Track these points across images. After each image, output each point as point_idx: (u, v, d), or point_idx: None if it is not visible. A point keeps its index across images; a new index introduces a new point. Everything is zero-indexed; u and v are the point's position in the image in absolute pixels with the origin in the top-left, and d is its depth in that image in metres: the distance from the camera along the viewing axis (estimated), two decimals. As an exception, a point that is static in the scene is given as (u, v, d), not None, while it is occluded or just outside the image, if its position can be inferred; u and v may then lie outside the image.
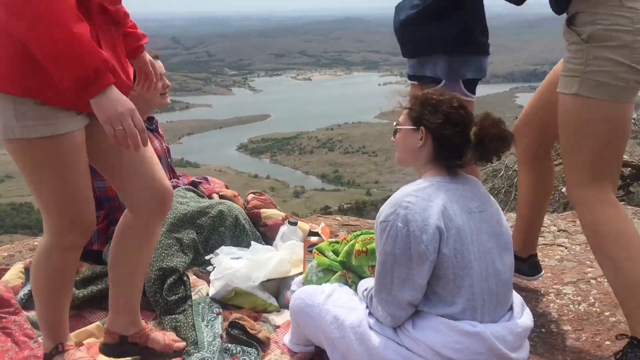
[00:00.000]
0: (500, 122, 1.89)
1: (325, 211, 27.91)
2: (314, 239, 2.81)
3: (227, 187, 3.58)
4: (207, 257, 2.87)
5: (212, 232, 3.00)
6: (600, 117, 2.10)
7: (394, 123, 2.06)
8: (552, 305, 2.70)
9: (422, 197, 1.82)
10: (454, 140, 1.89)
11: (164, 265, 2.65)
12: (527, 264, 2.81)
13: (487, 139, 1.85)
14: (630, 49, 2.01)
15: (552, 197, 6.42)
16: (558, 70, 2.31)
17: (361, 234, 2.48)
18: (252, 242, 3.01)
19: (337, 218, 4.03)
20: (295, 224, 3.14)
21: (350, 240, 2.47)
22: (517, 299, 2.03)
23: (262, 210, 3.38)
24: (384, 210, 1.85)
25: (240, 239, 3.07)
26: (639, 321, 2.09)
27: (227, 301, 2.64)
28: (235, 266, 2.70)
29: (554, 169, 2.74)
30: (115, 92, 1.71)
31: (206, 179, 3.55)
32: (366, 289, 2.06)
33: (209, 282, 2.75)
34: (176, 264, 2.70)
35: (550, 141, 2.63)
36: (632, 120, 6.32)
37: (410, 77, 2.73)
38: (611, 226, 2.14)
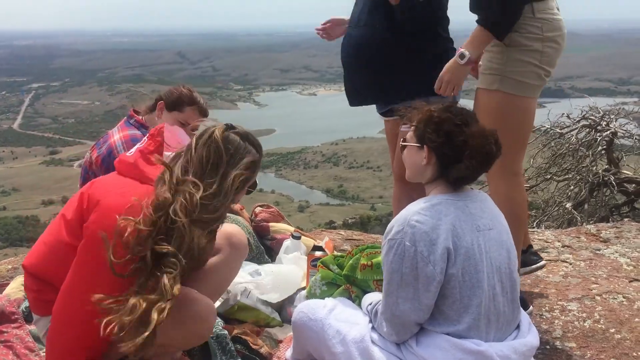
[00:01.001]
0: (490, 139, 1.86)
1: (330, 226, 27.84)
2: (317, 253, 2.81)
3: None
4: None
5: None
6: (515, 110, 2.49)
7: (401, 139, 2.06)
8: (556, 322, 2.69)
9: (430, 216, 1.80)
10: (454, 159, 1.87)
11: None
12: (529, 253, 2.90)
13: (471, 155, 1.84)
14: (540, 53, 2.41)
15: (556, 210, 6.41)
16: None
17: (367, 248, 2.48)
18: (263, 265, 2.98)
19: (341, 232, 4.03)
20: (299, 238, 3.13)
21: (356, 255, 2.46)
22: (524, 317, 2.01)
23: (270, 224, 3.36)
24: (392, 227, 1.84)
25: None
26: None
27: (229, 315, 2.63)
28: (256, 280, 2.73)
29: None
30: None
31: None
32: (370, 304, 2.05)
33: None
34: None
35: None
36: (636, 137, 6.31)
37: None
38: (517, 196, 2.59)
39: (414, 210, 1.83)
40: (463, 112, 1.95)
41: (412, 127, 2.00)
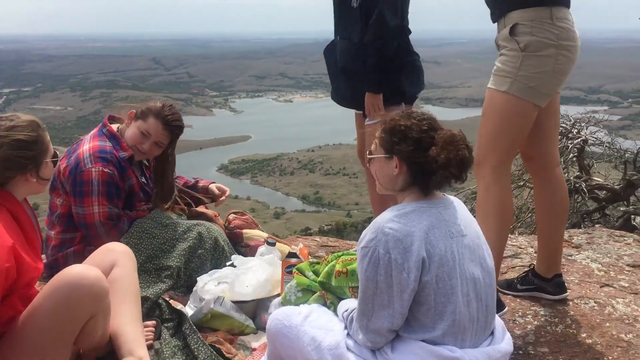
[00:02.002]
0: (461, 145, 1.86)
1: (306, 232, 27.81)
2: (292, 260, 2.79)
3: (207, 208, 3.55)
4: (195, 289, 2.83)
5: (192, 255, 2.94)
6: (518, 114, 2.54)
7: (367, 152, 2.04)
8: (529, 327, 2.71)
9: (403, 223, 1.80)
10: (427, 165, 1.87)
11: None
12: (552, 283, 2.90)
13: (438, 164, 1.83)
14: (554, 60, 2.44)
15: (529, 217, 6.47)
16: None
17: (342, 255, 2.47)
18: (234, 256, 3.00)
19: (316, 239, 4.02)
20: (273, 244, 3.12)
21: (331, 261, 2.46)
22: (498, 323, 2.02)
23: (244, 230, 3.35)
24: (366, 235, 1.83)
25: (219, 261, 3.03)
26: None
27: (203, 324, 2.60)
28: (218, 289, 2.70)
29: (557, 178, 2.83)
30: None
31: (196, 180, 3.56)
32: (346, 310, 2.04)
33: (185, 304, 2.71)
34: (149, 293, 2.66)
35: (538, 151, 2.79)
36: (607, 144, 6.43)
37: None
38: (506, 195, 2.63)
39: (387, 218, 1.83)
40: (426, 117, 1.95)
41: (377, 138, 1.99)
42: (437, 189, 1.95)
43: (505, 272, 3.28)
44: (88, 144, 2.92)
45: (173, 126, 2.98)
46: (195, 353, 2.37)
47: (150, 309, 2.61)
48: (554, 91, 2.59)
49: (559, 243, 2.91)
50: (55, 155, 2.20)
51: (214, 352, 2.38)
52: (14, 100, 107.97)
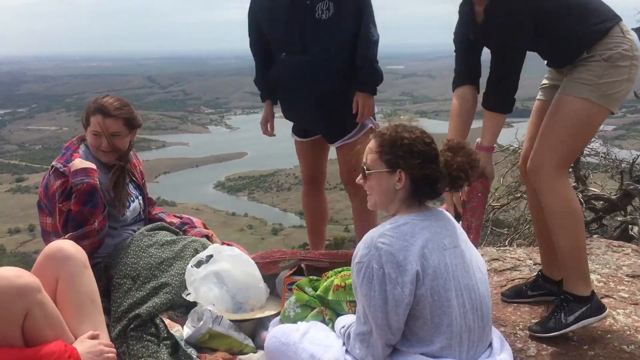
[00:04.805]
0: (464, 149, 1.93)
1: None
2: (294, 277, 2.78)
3: (205, 226, 3.53)
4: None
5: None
6: (593, 121, 2.63)
7: (363, 167, 2.00)
8: (530, 340, 2.69)
9: (396, 237, 1.80)
10: (432, 177, 1.89)
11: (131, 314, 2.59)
12: (594, 303, 2.77)
13: (454, 167, 1.88)
14: (628, 69, 2.56)
15: (527, 229, 6.46)
16: (543, 105, 2.81)
17: (342, 270, 2.47)
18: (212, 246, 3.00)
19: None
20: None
21: (331, 277, 2.45)
22: (496, 335, 2.02)
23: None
24: (358, 250, 1.83)
25: None
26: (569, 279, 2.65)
27: (202, 344, 2.57)
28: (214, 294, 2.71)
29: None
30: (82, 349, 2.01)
31: (191, 220, 3.47)
32: (343, 326, 2.03)
33: (183, 325, 2.69)
34: (141, 311, 2.62)
35: None
36: (602, 154, 6.45)
37: None
38: (573, 202, 2.63)
39: (380, 232, 1.82)
40: (421, 129, 1.97)
41: (372, 152, 1.97)
42: (431, 199, 1.96)
43: (505, 285, 3.26)
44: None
45: (113, 112, 2.90)
46: None
47: (144, 326, 2.57)
48: (625, 99, 2.71)
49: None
50: None
51: None
52: (9, 122, 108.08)
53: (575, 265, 2.62)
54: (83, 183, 2.74)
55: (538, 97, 2.91)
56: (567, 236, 2.60)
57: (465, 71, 2.82)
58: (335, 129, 3.57)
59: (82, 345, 2.09)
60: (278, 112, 3.84)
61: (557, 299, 2.73)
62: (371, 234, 1.84)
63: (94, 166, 2.83)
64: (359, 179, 2.03)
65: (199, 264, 2.83)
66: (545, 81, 2.89)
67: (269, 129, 3.84)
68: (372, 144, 1.99)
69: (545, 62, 2.83)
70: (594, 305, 2.65)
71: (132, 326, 2.53)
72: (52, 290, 2.24)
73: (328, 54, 3.36)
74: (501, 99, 2.64)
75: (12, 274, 1.99)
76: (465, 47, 2.79)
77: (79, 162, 2.81)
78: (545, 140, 2.64)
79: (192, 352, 2.49)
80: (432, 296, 1.77)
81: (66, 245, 2.38)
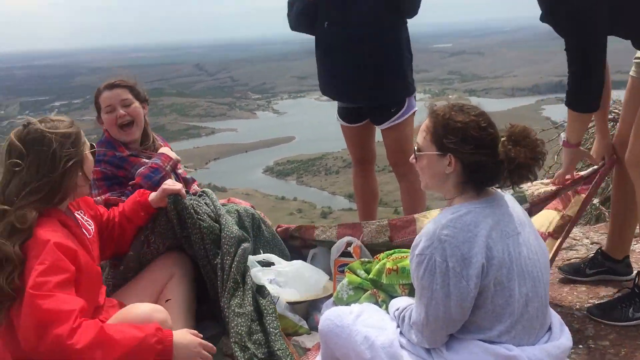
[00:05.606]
0: (527, 138, 1.78)
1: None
2: (344, 259, 2.80)
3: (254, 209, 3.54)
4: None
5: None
6: None
7: (415, 146, 1.95)
8: (588, 320, 2.64)
9: (460, 228, 1.73)
10: (486, 164, 1.79)
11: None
12: (624, 264, 2.93)
13: (515, 163, 1.76)
14: None
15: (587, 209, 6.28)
16: (638, 83, 2.62)
17: (393, 253, 2.46)
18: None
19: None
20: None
21: (382, 259, 2.45)
22: (555, 318, 1.96)
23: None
24: (420, 241, 1.77)
25: (258, 239, 3.05)
26: None
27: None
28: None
29: None
30: (179, 338, 1.98)
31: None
32: (397, 309, 2.03)
33: None
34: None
35: None
36: None
37: None
38: None
39: (442, 223, 1.75)
40: (480, 111, 1.85)
41: (426, 133, 1.88)
42: (490, 186, 1.87)
43: (561, 265, 3.20)
44: None
45: (115, 83, 3.11)
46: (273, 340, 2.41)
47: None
48: None
49: (633, 226, 2.89)
50: (92, 147, 2.25)
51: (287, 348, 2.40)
52: (65, 113, 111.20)
53: None
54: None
55: (631, 73, 2.66)
56: None
57: None
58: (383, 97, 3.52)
59: (182, 337, 2.04)
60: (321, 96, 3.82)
61: (626, 288, 2.67)
62: (433, 225, 1.76)
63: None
64: (411, 158, 1.98)
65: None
66: (639, 54, 2.62)
67: None
68: (426, 122, 1.90)
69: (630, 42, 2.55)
70: (622, 267, 2.74)
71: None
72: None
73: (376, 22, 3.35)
74: (585, 101, 2.45)
75: (160, 317, 2.09)
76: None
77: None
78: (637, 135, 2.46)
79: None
80: (495, 286, 1.72)
81: None
